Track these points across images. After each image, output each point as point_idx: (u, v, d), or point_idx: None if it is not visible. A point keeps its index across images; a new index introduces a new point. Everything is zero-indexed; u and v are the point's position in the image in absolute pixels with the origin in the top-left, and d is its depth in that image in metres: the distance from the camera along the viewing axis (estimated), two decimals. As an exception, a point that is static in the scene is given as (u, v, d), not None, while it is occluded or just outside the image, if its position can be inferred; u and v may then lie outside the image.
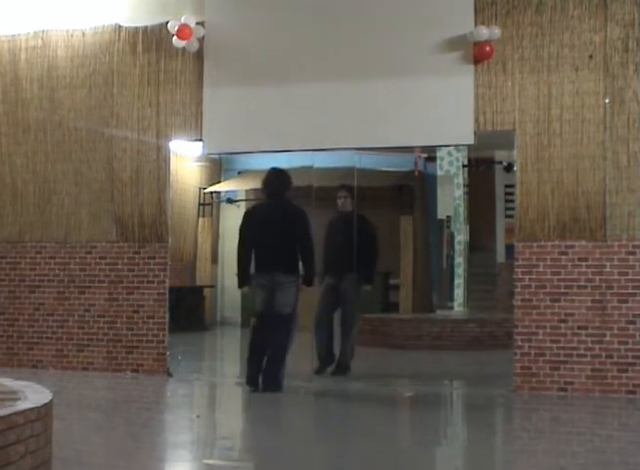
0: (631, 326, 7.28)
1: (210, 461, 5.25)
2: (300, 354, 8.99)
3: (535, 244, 7.55)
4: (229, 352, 12.66)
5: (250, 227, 7.65)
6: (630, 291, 7.30)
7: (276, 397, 7.25)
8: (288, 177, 7.77)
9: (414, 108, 7.89)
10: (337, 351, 8.76)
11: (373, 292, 9.49)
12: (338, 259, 8.73)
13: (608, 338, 7.32)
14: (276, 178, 7.74)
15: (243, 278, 7.63)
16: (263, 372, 7.42)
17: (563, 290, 7.44)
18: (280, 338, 7.44)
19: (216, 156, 12.89)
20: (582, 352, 7.36)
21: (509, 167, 12.04)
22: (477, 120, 7.74)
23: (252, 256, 7.57)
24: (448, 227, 14.18)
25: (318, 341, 8.70)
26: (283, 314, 7.44)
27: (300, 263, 7.59)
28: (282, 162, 11.18)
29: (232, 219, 12.40)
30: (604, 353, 7.31)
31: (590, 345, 7.35)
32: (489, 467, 5.29)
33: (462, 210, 13.84)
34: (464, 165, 13.81)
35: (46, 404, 3.74)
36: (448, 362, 10.06)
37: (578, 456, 5.35)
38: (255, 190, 14.25)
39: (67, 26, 8.99)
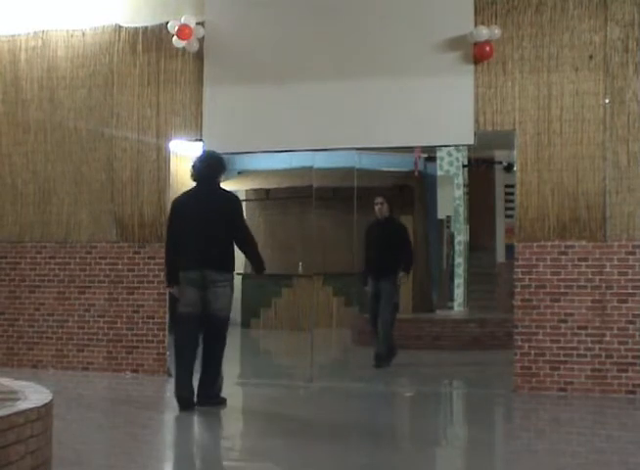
0: (631, 326, 7.28)
1: (211, 461, 5.25)
2: (300, 354, 9.01)
3: (535, 244, 7.55)
4: (228, 352, 12.63)
5: (177, 218, 6.82)
6: (630, 291, 7.30)
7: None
8: (219, 161, 6.96)
9: (414, 108, 7.89)
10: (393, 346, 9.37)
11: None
12: (376, 262, 9.32)
13: (608, 338, 7.32)
14: (205, 162, 6.92)
15: (170, 277, 6.85)
16: (202, 384, 6.70)
17: (563, 290, 7.44)
18: (220, 346, 6.75)
19: (216, 156, 12.88)
20: (582, 352, 7.37)
21: (509, 167, 12.03)
22: (477, 120, 7.74)
23: (181, 249, 6.72)
24: (448, 227, 14.18)
25: (376, 339, 9.28)
26: (221, 319, 6.68)
27: (245, 256, 6.94)
28: (282, 162, 11.19)
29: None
30: (604, 353, 7.32)
31: (590, 345, 7.35)
32: (489, 467, 5.29)
33: (462, 210, 13.83)
34: (464, 165, 13.80)
35: (46, 404, 3.74)
36: (448, 362, 10.06)
37: (578, 456, 5.35)
38: (255, 190, 14.32)
39: (67, 27, 8.99)
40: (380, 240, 9.32)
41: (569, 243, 7.47)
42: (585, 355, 7.35)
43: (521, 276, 7.56)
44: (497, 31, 7.60)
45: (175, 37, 8.26)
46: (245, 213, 8.81)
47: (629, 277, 7.32)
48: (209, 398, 6.70)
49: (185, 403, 6.54)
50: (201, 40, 8.41)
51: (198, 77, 8.52)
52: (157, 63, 8.67)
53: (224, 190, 6.98)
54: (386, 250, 9.24)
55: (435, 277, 14.12)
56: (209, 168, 6.87)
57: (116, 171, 8.76)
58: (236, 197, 7.01)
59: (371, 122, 8.02)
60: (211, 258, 6.60)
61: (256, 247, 6.94)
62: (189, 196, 6.92)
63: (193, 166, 6.91)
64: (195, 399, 6.61)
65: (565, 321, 7.41)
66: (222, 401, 6.78)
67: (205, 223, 6.65)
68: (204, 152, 7.37)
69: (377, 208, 9.38)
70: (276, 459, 5.20)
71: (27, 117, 9.09)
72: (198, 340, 6.74)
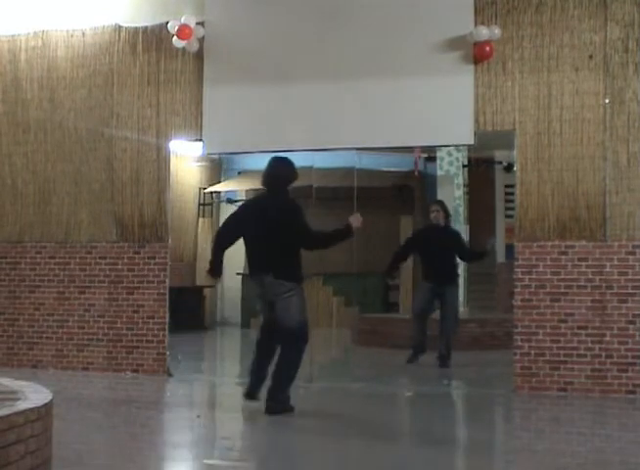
0: (631, 326, 7.28)
1: (210, 461, 5.25)
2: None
3: (535, 244, 7.55)
4: (229, 352, 12.67)
5: (238, 218, 6.70)
6: (630, 291, 7.30)
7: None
8: (289, 168, 6.69)
9: (414, 108, 7.89)
10: (426, 347, 9.65)
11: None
12: (438, 268, 9.49)
13: (608, 338, 7.32)
14: (274, 168, 6.69)
15: (215, 266, 6.65)
16: (267, 391, 6.50)
17: (563, 290, 7.44)
18: (286, 354, 6.49)
19: (216, 156, 12.91)
20: (582, 352, 7.37)
21: (509, 167, 12.05)
22: (477, 120, 7.74)
23: (246, 255, 6.67)
24: (448, 227, 14.14)
25: (414, 334, 9.60)
26: (286, 328, 6.42)
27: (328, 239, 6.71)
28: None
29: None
30: (604, 353, 7.32)
31: (590, 345, 7.35)
32: (489, 467, 5.29)
33: (462, 210, 13.82)
34: (464, 165, 13.78)
35: (46, 404, 3.74)
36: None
37: (578, 456, 5.35)
38: (255, 190, 14.30)
39: (67, 26, 9.00)
40: (441, 247, 9.43)
41: (569, 243, 7.47)
42: (585, 355, 7.35)
43: (521, 276, 7.56)
44: (497, 31, 7.60)
45: (175, 37, 8.26)
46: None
47: (629, 277, 7.31)
48: (275, 401, 6.43)
49: (249, 397, 6.67)
50: (201, 40, 8.41)
51: (198, 77, 8.52)
52: (157, 63, 8.67)
53: (287, 200, 6.61)
54: (448, 257, 9.51)
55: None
56: (277, 176, 6.64)
57: (116, 171, 8.76)
58: (296, 206, 6.59)
59: (371, 122, 8.02)
60: (269, 268, 6.41)
61: (325, 239, 6.70)
62: (254, 201, 7.15)
63: (263, 173, 6.71)
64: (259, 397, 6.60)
65: (565, 321, 7.41)
66: (289, 409, 6.47)
67: (262, 232, 6.46)
68: (274, 157, 6.87)
69: (433, 215, 9.59)
70: (276, 459, 5.20)
71: (27, 117, 9.09)
72: (269, 348, 6.64)
